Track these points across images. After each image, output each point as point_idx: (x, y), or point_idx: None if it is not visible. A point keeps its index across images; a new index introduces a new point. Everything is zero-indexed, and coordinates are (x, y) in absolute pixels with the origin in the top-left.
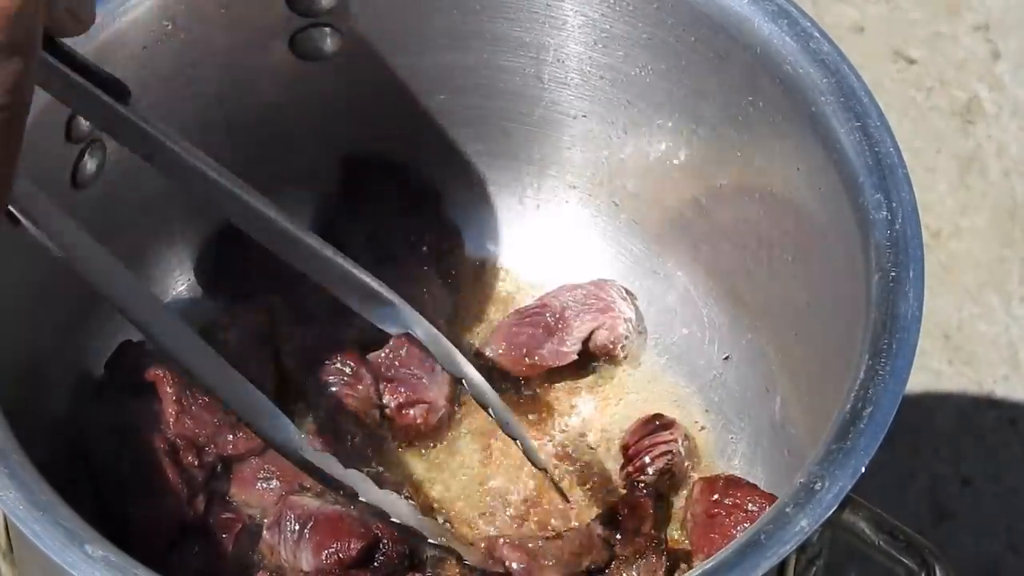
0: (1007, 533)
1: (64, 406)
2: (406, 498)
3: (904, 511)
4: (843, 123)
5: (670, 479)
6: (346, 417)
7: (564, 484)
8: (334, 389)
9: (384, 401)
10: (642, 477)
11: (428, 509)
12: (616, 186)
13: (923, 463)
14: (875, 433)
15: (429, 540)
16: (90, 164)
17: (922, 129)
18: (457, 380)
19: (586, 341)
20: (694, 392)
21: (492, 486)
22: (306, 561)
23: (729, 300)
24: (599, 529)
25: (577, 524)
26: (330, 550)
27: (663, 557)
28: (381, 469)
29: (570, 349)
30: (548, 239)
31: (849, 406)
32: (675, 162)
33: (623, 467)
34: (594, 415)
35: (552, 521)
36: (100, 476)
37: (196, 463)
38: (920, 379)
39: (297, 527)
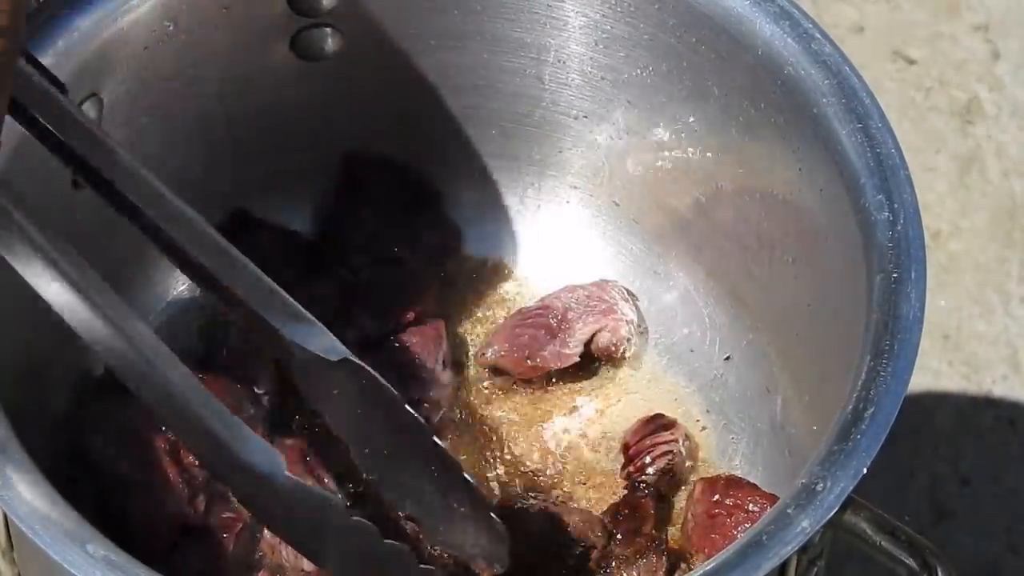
0: (1007, 533)
1: (64, 406)
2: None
3: (904, 511)
4: (845, 124)
5: (671, 479)
6: None
7: (564, 484)
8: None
9: None
10: (643, 477)
11: None
12: (617, 186)
13: (923, 463)
14: (877, 434)
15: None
16: None
17: (922, 129)
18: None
19: (588, 343)
20: (695, 392)
21: (492, 486)
22: (307, 560)
23: (730, 300)
24: (605, 519)
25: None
26: None
27: (663, 557)
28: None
29: (572, 351)
30: (549, 239)
31: (851, 407)
32: (676, 163)
33: (624, 467)
34: (594, 415)
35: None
36: (100, 476)
37: (196, 463)
38: (920, 379)
39: None
